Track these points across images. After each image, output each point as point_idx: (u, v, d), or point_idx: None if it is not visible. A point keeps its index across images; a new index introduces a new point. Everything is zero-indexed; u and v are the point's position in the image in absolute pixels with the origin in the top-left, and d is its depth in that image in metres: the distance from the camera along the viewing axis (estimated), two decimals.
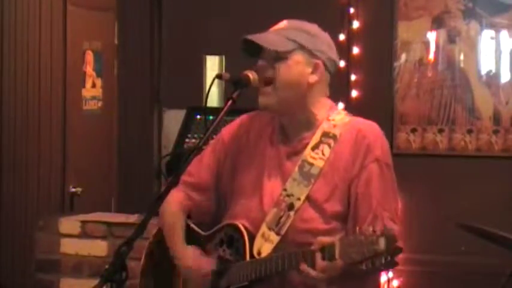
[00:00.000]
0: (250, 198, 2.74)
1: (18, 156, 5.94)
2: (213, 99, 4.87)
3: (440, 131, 5.06)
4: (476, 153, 5.02)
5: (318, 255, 2.45)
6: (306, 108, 2.72)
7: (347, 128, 2.71)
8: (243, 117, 2.87)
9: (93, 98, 6.46)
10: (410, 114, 5.10)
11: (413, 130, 5.09)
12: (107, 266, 2.34)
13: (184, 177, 2.83)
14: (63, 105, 6.12)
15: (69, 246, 4.76)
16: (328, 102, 2.78)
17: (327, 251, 2.43)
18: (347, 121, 2.74)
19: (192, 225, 2.87)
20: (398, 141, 5.11)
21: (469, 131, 5.02)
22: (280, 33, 2.70)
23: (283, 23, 2.74)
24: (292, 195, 2.66)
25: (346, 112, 2.81)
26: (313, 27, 2.75)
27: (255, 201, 2.73)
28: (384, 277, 4.81)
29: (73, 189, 6.15)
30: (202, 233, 2.84)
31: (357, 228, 2.40)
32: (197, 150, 2.57)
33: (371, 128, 2.74)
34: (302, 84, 2.69)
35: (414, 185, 4.97)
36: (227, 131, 2.88)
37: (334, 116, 2.74)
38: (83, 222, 4.77)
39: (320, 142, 2.70)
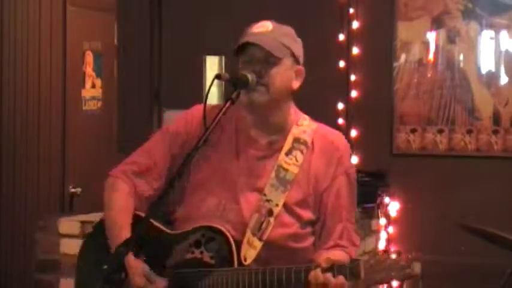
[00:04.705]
0: (223, 200, 2.72)
1: (18, 156, 5.94)
2: (213, 99, 4.87)
3: (440, 131, 5.06)
4: (476, 153, 5.03)
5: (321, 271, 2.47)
6: (283, 112, 2.75)
7: (318, 136, 2.76)
8: (196, 109, 2.79)
9: (93, 98, 6.46)
10: (410, 115, 5.10)
11: (413, 130, 5.09)
12: (106, 266, 2.34)
13: (131, 167, 2.80)
14: (63, 105, 6.13)
15: (69, 247, 4.75)
16: (294, 106, 2.81)
17: (348, 269, 2.44)
18: (315, 128, 2.79)
19: (156, 223, 2.77)
20: (398, 141, 5.11)
21: (469, 131, 5.02)
22: (273, 37, 2.69)
23: (269, 26, 2.72)
24: (271, 200, 2.69)
25: (309, 117, 2.83)
26: (293, 31, 2.77)
27: (230, 203, 2.71)
28: None
29: (73, 189, 6.16)
30: (170, 231, 2.78)
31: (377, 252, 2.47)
32: (196, 150, 2.55)
33: (341, 139, 2.81)
34: (288, 90, 2.73)
35: (414, 185, 4.98)
36: (181, 123, 2.81)
37: (302, 121, 2.79)
38: (83, 222, 4.76)
39: (292, 148, 2.74)
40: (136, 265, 2.66)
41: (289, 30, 2.76)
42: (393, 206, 4.95)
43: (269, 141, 2.75)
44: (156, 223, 2.78)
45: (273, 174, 2.71)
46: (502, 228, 3.57)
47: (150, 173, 2.79)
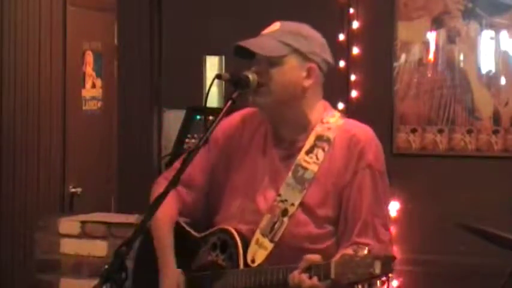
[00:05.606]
0: (244, 200, 2.72)
1: (18, 156, 5.94)
2: (213, 99, 4.87)
3: (440, 131, 5.06)
4: (476, 153, 5.02)
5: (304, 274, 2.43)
6: (300, 111, 2.70)
7: (341, 131, 2.69)
8: (235, 115, 2.80)
9: (93, 98, 6.47)
10: (410, 115, 5.09)
11: (413, 130, 5.09)
12: (106, 266, 2.34)
13: (172, 173, 2.73)
14: (63, 106, 6.13)
15: (69, 247, 4.76)
16: (322, 104, 2.76)
17: (322, 270, 2.40)
18: (341, 124, 2.72)
19: (186, 227, 2.82)
20: (398, 142, 5.11)
21: (469, 131, 5.02)
22: (274, 37, 2.66)
23: (276, 26, 2.70)
24: (286, 200, 2.65)
25: (340, 114, 2.78)
26: (306, 29, 2.72)
27: (249, 203, 2.70)
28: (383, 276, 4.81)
29: (73, 189, 6.17)
30: (196, 234, 2.80)
31: (353, 248, 2.39)
32: (196, 150, 2.55)
33: (365, 132, 2.72)
34: (297, 89, 2.67)
35: (414, 185, 4.97)
36: (220, 130, 2.78)
37: (328, 119, 2.72)
38: (83, 222, 4.77)
39: (314, 146, 2.68)
40: (173, 275, 2.71)
41: (296, 27, 2.70)
42: (393, 206, 4.95)
43: (292, 141, 2.72)
44: (187, 227, 2.81)
45: (289, 174, 2.66)
46: (502, 228, 3.57)
47: (191, 180, 2.78)
